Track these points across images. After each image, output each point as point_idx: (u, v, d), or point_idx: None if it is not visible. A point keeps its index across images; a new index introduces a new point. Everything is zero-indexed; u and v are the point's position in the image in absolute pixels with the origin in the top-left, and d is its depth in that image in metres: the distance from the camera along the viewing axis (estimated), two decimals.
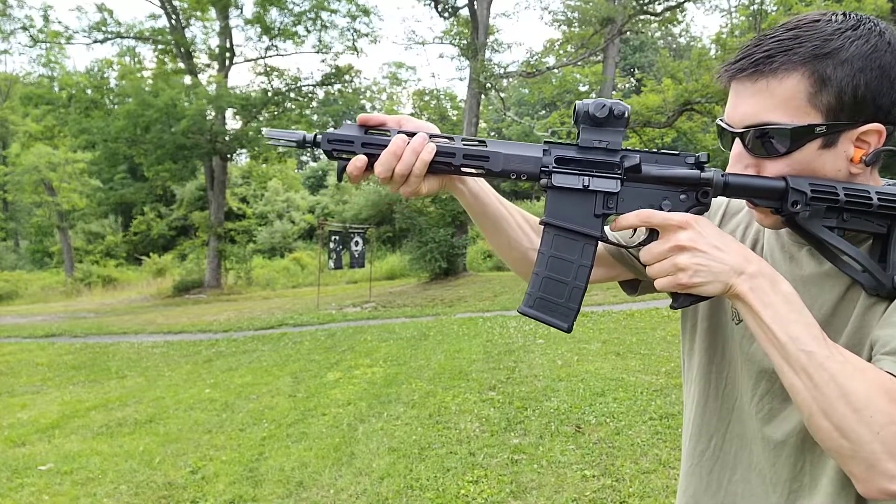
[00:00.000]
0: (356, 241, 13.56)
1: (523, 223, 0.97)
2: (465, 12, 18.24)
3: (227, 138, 18.69)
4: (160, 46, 19.70)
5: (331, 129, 0.79)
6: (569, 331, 0.78)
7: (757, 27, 19.66)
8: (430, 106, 23.65)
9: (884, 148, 0.73)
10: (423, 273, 15.75)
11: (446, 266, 15.20)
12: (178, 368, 7.30)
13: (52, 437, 4.75)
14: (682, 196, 0.77)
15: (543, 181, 0.76)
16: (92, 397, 6.01)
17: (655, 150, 0.78)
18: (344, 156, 0.79)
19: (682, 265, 0.71)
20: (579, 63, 17.92)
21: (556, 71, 19.08)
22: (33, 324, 12.66)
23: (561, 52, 20.16)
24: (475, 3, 16.78)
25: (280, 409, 5.19)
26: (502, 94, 18.27)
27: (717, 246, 0.71)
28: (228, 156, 20.23)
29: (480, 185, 0.91)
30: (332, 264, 13.24)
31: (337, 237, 13.43)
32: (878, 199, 0.73)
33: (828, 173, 0.74)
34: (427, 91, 24.26)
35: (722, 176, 0.75)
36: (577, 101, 0.75)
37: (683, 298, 0.76)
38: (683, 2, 17.21)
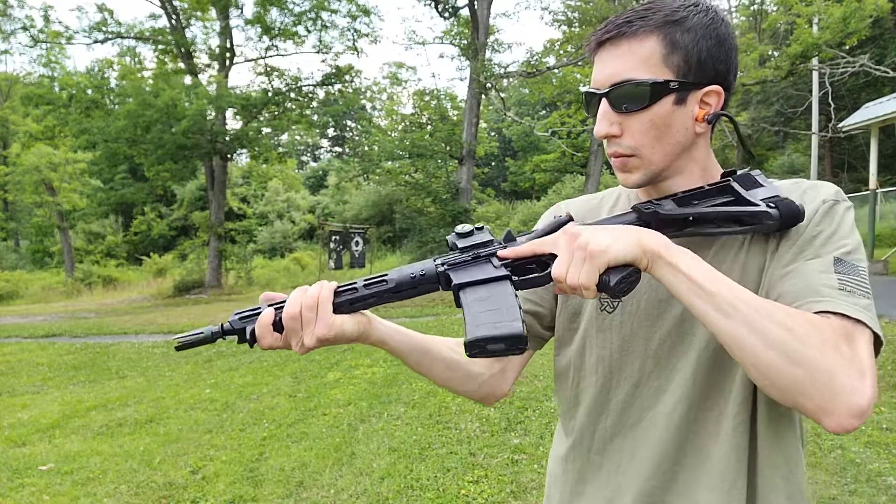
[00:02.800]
0: (356, 241, 13.58)
1: (456, 348, 0.98)
2: (465, 12, 18.24)
3: (227, 138, 18.69)
4: (160, 46, 19.69)
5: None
6: (524, 337, 0.74)
7: (757, 27, 19.65)
8: (430, 106, 23.60)
9: (721, 112, 0.83)
10: None
11: None
12: (178, 368, 7.30)
13: (52, 437, 4.75)
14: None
15: (441, 269, 0.83)
16: (92, 397, 6.01)
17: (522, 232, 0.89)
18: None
19: (584, 243, 0.74)
20: (579, 63, 17.88)
21: (556, 71, 19.07)
22: (34, 324, 12.67)
23: (561, 52, 20.13)
24: (475, 3, 16.78)
25: (280, 409, 5.19)
26: (502, 94, 18.26)
27: (604, 228, 0.77)
28: (229, 156, 20.22)
29: (402, 329, 0.94)
30: (332, 264, 13.25)
31: (337, 237, 13.45)
32: (708, 185, 0.85)
33: (678, 130, 0.83)
34: (427, 91, 24.19)
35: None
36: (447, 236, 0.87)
37: (614, 279, 0.73)
38: None
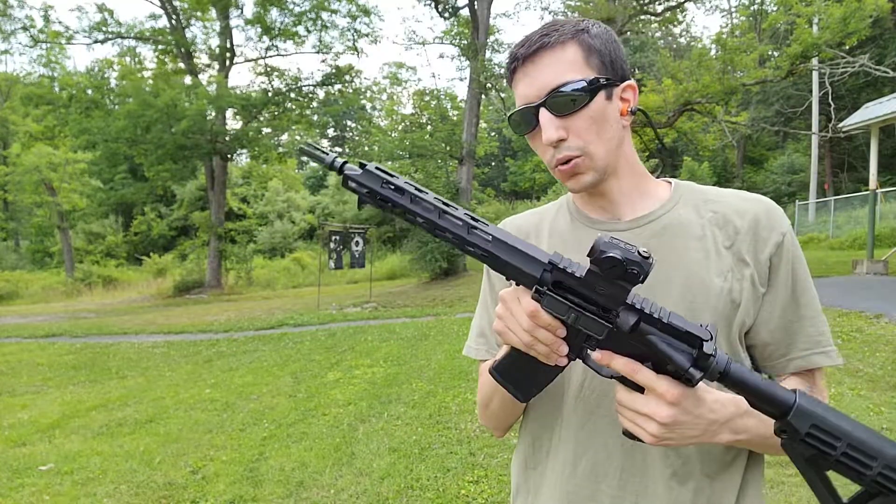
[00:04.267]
0: (356, 241, 13.56)
1: None
2: (465, 12, 18.26)
3: (227, 138, 18.70)
4: (161, 47, 19.70)
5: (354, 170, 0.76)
6: (523, 402, 0.83)
7: (757, 27, 19.65)
8: (430, 106, 23.63)
9: (638, 107, 0.91)
10: (424, 273, 15.75)
11: (446, 266, 15.20)
12: (178, 368, 7.30)
13: (52, 437, 4.75)
14: (669, 366, 0.70)
15: (535, 298, 0.72)
16: (92, 397, 6.02)
17: (661, 319, 0.69)
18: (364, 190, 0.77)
19: (652, 432, 0.72)
20: None
21: None
22: (34, 324, 12.67)
23: None
24: (475, 3, 16.79)
25: (280, 409, 5.19)
26: (502, 94, 18.27)
27: (697, 415, 0.72)
28: (229, 156, 20.23)
29: None
30: (332, 264, 13.24)
31: (337, 237, 13.43)
32: (880, 471, 0.65)
33: (612, 124, 0.89)
34: (427, 91, 24.25)
35: (724, 366, 0.68)
36: (598, 236, 0.66)
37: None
38: (684, 2, 17.21)
